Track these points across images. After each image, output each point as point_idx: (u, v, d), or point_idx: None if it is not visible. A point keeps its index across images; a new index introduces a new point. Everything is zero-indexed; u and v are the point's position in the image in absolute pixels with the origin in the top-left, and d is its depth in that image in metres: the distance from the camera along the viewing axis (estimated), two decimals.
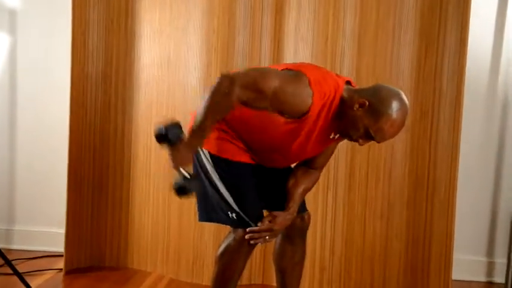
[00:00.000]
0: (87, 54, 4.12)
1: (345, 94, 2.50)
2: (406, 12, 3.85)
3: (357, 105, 2.43)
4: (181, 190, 2.48)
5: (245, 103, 2.46)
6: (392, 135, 2.49)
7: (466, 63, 3.79)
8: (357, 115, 2.44)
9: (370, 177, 3.95)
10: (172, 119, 2.52)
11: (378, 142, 2.51)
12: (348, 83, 2.61)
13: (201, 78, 3.99)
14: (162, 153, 3.62)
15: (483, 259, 4.37)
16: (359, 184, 3.97)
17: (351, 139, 2.55)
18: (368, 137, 2.47)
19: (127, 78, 4.18)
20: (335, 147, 2.90)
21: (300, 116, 2.47)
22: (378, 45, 3.87)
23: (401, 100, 2.45)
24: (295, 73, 2.48)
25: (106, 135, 4.21)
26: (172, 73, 4.06)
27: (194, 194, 2.55)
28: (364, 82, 3.58)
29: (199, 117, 2.44)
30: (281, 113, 2.50)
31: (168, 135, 2.45)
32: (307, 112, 2.45)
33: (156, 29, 4.08)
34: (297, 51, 3.91)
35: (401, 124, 2.45)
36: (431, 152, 3.91)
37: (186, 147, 2.47)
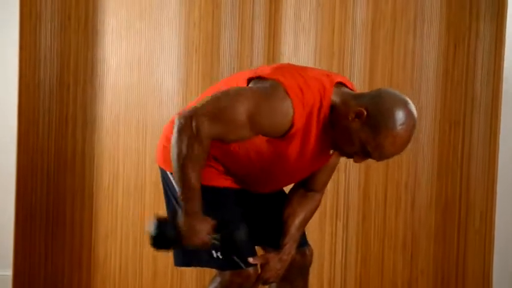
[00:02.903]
0: (39, 56, 3.92)
1: (335, 99, 2.35)
2: (430, 0, 3.76)
3: (352, 115, 2.28)
4: (228, 247, 2.40)
5: (219, 139, 2.34)
6: (394, 154, 2.32)
7: (503, 63, 3.69)
8: (352, 127, 2.28)
9: (389, 202, 3.80)
10: (155, 217, 2.38)
11: (377, 160, 2.36)
12: (341, 83, 2.43)
13: (179, 84, 3.86)
14: (132, 177, 3.81)
15: None
16: (375, 211, 3.82)
17: (344, 154, 2.41)
18: (365, 153, 2.32)
19: (88, 85, 3.95)
20: (337, 162, 2.72)
21: (285, 133, 2.33)
22: (395, 41, 3.75)
23: (408, 111, 2.28)
24: (267, 84, 2.33)
25: (63, 157, 3.97)
26: (144, 77, 3.90)
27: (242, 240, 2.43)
28: (379, 86, 3.57)
29: (178, 180, 2.32)
30: (263, 135, 2.36)
31: (167, 237, 2.34)
32: (292, 127, 2.30)
33: (124, 24, 3.90)
34: (297, 47, 3.78)
35: (407, 141, 2.29)
36: (463, 170, 3.77)
37: (191, 220, 2.32)
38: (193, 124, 2.24)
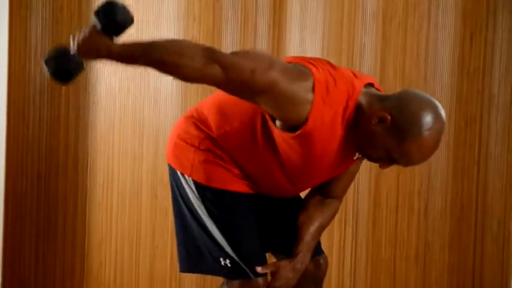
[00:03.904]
0: (29, 52, 3.96)
1: (362, 100, 2.30)
2: None
3: (375, 119, 2.22)
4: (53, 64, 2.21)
5: (220, 84, 2.22)
6: (422, 161, 2.27)
7: None
8: (376, 131, 2.24)
9: (401, 208, 3.74)
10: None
11: (404, 166, 2.33)
12: (370, 84, 2.38)
13: (177, 84, 3.82)
14: (128, 181, 3.79)
15: None
16: (386, 217, 3.75)
17: (369, 159, 2.36)
18: (390, 160, 2.27)
19: (81, 83, 3.95)
20: (357, 169, 2.68)
21: (296, 127, 2.26)
22: (408, 33, 3.69)
23: (434, 114, 2.22)
24: (300, 68, 2.26)
25: (54, 159, 4.02)
26: (140, 76, 3.90)
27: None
28: (391, 82, 3.59)
29: (141, 47, 2.17)
30: (269, 113, 2.32)
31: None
32: (305, 122, 2.23)
33: None
34: (303, 42, 3.75)
35: (435, 147, 2.24)
36: (479, 173, 3.68)
37: (104, 45, 2.17)
38: (207, 58, 2.12)
